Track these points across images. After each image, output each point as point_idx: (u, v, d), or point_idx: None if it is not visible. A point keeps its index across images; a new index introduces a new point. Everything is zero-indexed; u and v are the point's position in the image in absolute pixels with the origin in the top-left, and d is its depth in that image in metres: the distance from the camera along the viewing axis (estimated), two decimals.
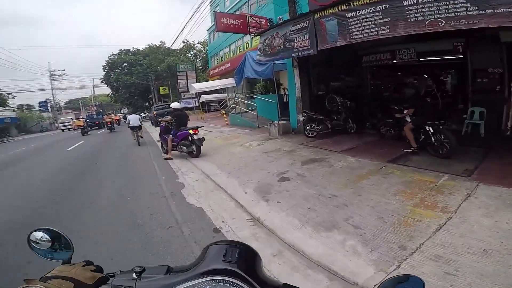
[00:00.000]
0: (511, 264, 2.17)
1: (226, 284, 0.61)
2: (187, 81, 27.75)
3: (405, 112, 5.99)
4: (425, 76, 10.69)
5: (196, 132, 7.25)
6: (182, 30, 37.26)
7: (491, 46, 7.11)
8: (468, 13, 3.47)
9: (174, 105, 8.05)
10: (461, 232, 2.68)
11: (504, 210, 3.02)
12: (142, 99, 38.95)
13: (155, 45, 37.45)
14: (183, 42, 35.96)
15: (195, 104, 24.90)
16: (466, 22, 3.50)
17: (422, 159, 5.33)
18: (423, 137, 5.52)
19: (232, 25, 9.45)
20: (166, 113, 19.05)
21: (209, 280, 0.62)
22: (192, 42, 38.43)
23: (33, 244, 0.78)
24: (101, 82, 39.60)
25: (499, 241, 2.47)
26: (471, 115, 7.40)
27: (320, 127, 7.68)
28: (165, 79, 34.38)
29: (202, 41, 36.41)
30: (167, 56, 34.04)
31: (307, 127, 7.83)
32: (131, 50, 37.77)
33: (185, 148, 7.38)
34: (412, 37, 8.18)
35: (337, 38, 5.23)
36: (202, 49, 37.47)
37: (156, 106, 21.15)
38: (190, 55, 38.67)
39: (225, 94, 21.55)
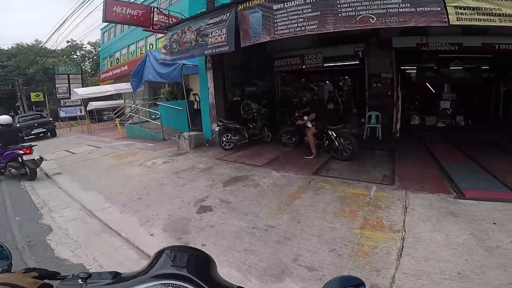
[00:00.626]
0: (493, 283, 2.09)
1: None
2: (69, 86, 22.80)
3: (305, 118, 6.05)
4: (326, 81, 11.59)
5: (29, 151, 6.17)
6: (61, 26, 30.85)
7: (384, 52, 7.88)
8: (400, 9, 3.31)
9: (1, 119, 6.42)
10: (423, 255, 2.50)
11: (444, 221, 3.03)
12: (3, 107, 30.19)
13: (27, 44, 29.79)
14: (68, 42, 30.51)
15: (81, 112, 20.51)
16: (397, 20, 3.32)
17: (340, 167, 5.35)
18: (327, 142, 5.72)
19: (129, 16, 7.59)
20: (36, 124, 14.91)
21: (158, 284, 0.61)
22: (80, 42, 32.63)
23: None
24: None
25: (464, 259, 2.38)
26: (369, 119, 8.02)
27: (237, 137, 6.87)
28: (38, 83, 27.66)
29: (94, 41, 31.23)
30: (43, 58, 27.73)
31: (224, 138, 6.89)
32: None
33: (14, 170, 6.12)
34: (320, 41, 8.56)
35: (261, 33, 4.53)
36: (93, 50, 32.19)
37: (21, 117, 16.12)
38: (76, 56, 32.62)
39: (122, 101, 18.51)
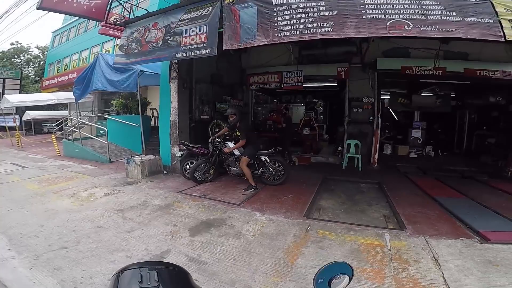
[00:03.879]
0: None
1: None
2: (3, 91, 19.14)
3: (230, 145, 5.23)
4: (302, 104, 10.86)
5: None
6: None
7: (367, 74, 7.26)
8: (442, 17, 2.51)
9: None
10: None
11: (488, 272, 2.53)
12: None
13: None
14: (12, 44, 26.43)
15: (14, 122, 17.06)
16: (440, 29, 2.51)
17: (331, 205, 4.50)
18: (261, 169, 5.19)
19: (76, 4, 5.81)
20: None
21: None
22: (26, 45, 28.52)
23: None
24: None
25: None
26: (348, 148, 7.27)
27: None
28: None
29: (44, 45, 27.56)
30: None
31: (187, 166, 5.42)
32: None
33: None
34: (302, 58, 7.74)
35: (255, 34, 3.39)
36: (40, 55, 28.26)
37: None
38: (19, 60, 28.31)
39: (67, 112, 15.78)
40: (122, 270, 0.64)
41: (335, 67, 7.43)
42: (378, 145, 7.41)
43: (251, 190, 4.84)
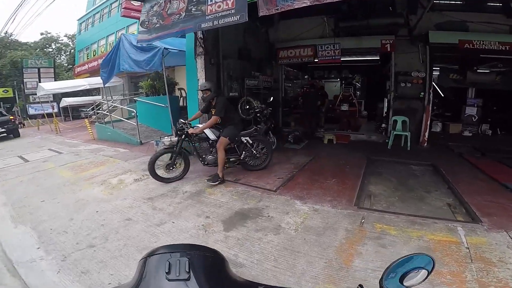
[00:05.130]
0: None
1: None
2: (39, 80, 20.06)
3: (199, 125, 4.37)
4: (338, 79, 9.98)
5: None
6: (13, 16, 27.80)
7: (416, 47, 6.39)
8: None
9: None
10: None
11: None
12: None
13: None
14: (42, 34, 27.42)
15: (53, 109, 17.94)
16: None
17: (383, 192, 3.84)
18: (244, 152, 4.38)
19: None
20: None
21: None
22: (56, 35, 29.49)
23: None
24: None
25: None
26: (394, 125, 6.45)
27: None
28: (7, 79, 24.59)
29: (72, 34, 28.42)
30: (13, 50, 24.56)
31: None
32: None
33: None
34: (339, 30, 6.90)
35: None
36: (70, 43, 29.17)
37: None
38: (51, 49, 29.48)
39: (100, 97, 16.19)
40: (150, 254, 0.56)
41: (379, 40, 6.51)
42: (429, 123, 6.50)
43: (217, 182, 3.92)
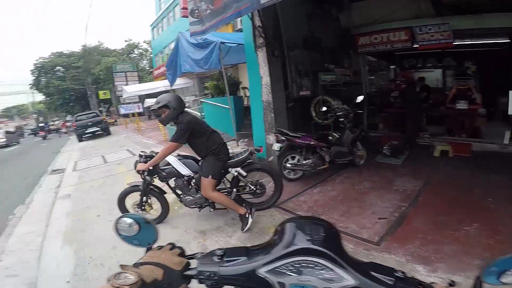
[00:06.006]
0: None
1: (313, 266, 0.52)
2: (126, 83, 22.54)
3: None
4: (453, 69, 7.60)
5: None
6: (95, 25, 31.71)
7: None
8: None
9: None
10: None
11: None
12: (79, 105, 32.48)
13: (90, 45, 31.43)
14: (126, 41, 31.11)
15: (139, 109, 19.85)
16: None
17: None
18: (234, 190, 3.02)
19: None
20: (90, 123, 14.14)
21: (294, 261, 0.53)
22: (136, 41, 33.24)
23: (120, 229, 0.70)
24: (31, 88, 32.56)
25: None
26: None
27: (310, 161, 3.84)
28: (105, 82, 28.69)
29: (149, 40, 31.52)
30: (105, 57, 28.53)
31: (287, 164, 3.92)
32: (64, 52, 30.89)
33: None
34: (445, 7, 5.08)
35: None
36: (148, 48, 32.39)
37: (79, 116, 15.52)
38: (135, 55, 33.32)
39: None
40: (291, 221, 0.61)
41: (509, 17, 4.39)
42: None
43: (247, 223, 2.72)
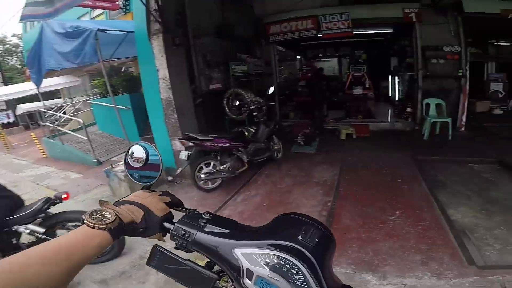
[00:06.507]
0: None
1: (290, 267, 0.47)
2: None
3: None
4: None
5: None
6: None
7: (445, 18, 4.96)
8: None
9: None
10: None
11: None
12: None
13: None
14: None
15: (8, 118, 15.35)
16: None
17: (468, 219, 2.43)
18: None
19: None
20: None
21: (274, 254, 0.49)
22: (2, 35, 25.98)
23: (129, 158, 0.69)
24: None
25: None
26: (427, 109, 4.95)
27: (227, 165, 3.31)
28: None
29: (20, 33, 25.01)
30: None
31: (201, 174, 3.25)
32: None
33: None
34: None
35: None
36: (20, 43, 25.72)
37: None
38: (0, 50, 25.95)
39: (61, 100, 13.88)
40: (292, 214, 0.56)
41: (400, 8, 4.97)
42: (466, 104, 5.09)
43: None
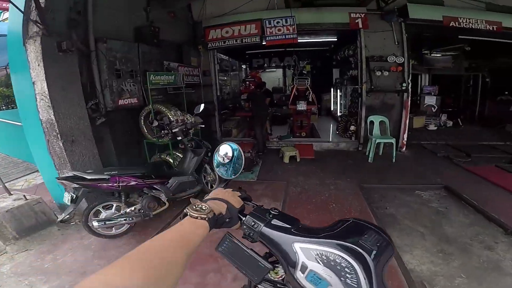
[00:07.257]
0: None
1: (345, 266, 0.48)
2: None
3: None
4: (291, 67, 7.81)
5: None
6: None
7: (389, 24, 4.80)
8: None
9: None
10: None
11: None
12: None
13: None
14: None
15: None
16: None
17: (425, 265, 2.17)
18: None
19: None
20: None
21: (331, 252, 0.50)
22: None
23: (217, 154, 0.82)
24: None
25: None
26: (371, 127, 4.77)
27: (137, 206, 2.49)
28: None
29: None
30: None
31: (95, 222, 2.35)
32: None
33: None
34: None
35: None
36: None
37: None
38: None
39: None
40: (357, 220, 0.57)
41: (346, 13, 4.70)
42: (407, 121, 5.04)
43: None
